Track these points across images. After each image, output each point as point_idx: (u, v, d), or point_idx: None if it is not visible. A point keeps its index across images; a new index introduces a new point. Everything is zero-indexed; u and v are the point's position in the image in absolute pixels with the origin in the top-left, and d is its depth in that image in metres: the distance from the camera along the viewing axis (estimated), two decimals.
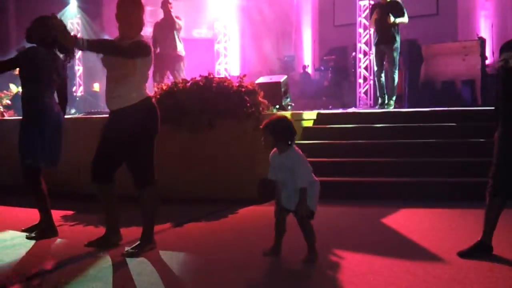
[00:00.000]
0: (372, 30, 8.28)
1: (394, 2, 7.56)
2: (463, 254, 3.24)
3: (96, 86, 12.84)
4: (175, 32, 7.93)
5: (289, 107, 7.35)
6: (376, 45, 7.74)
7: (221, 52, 12.16)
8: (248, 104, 5.30)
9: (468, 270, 3.01)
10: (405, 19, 7.53)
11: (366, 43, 9.77)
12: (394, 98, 7.82)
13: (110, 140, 3.47)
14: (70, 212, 4.85)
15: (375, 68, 7.95)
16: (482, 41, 9.07)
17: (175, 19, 7.91)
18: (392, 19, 7.36)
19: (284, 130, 3.23)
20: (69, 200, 5.18)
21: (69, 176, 5.51)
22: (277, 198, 3.30)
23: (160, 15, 8.40)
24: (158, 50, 7.87)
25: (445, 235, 3.84)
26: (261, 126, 3.28)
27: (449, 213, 4.58)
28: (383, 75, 7.86)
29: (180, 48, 8.02)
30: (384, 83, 7.88)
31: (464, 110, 7.18)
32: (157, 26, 8.15)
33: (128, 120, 3.40)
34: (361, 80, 9.83)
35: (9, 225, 4.31)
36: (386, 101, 7.76)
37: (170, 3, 8.03)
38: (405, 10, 7.50)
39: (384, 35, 7.54)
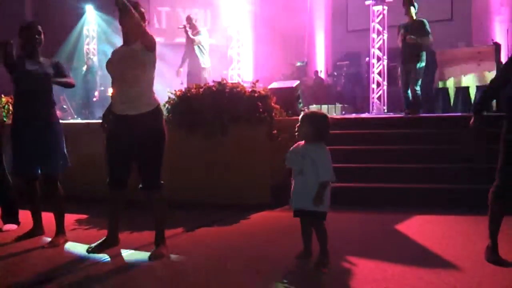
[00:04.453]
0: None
1: (419, 22, 7.50)
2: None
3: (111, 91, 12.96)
4: (196, 47, 8.56)
5: (302, 113, 7.33)
6: (403, 64, 7.62)
7: (234, 58, 12.21)
8: (261, 110, 5.31)
9: (482, 277, 2.98)
10: (426, 40, 7.40)
11: (379, 49, 9.74)
12: (419, 109, 7.61)
13: (127, 145, 3.49)
14: (84, 216, 4.90)
15: (402, 85, 7.77)
16: (498, 47, 8.99)
17: (192, 37, 8.55)
18: (411, 38, 7.29)
19: (326, 127, 3.30)
20: (83, 204, 5.22)
21: (84, 180, 5.56)
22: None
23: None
24: (184, 67, 8.74)
25: (459, 242, 3.81)
26: (301, 116, 3.33)
27: (463, 220, 4.53)
28: (409, 92, 7.70)
29: (202, 60, 8.60)
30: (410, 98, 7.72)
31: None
32: (185, 42, 8.83)
33: (153, 125, 3.49)
34: (374, 86, 9.79)
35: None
36: (411, 114, 7.59)
37: (190, 20, 8.73)
38: (428, 30, 7.42)
39: (409, 54, 7.43)
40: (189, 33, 8.62)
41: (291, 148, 3.34)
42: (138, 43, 3.48)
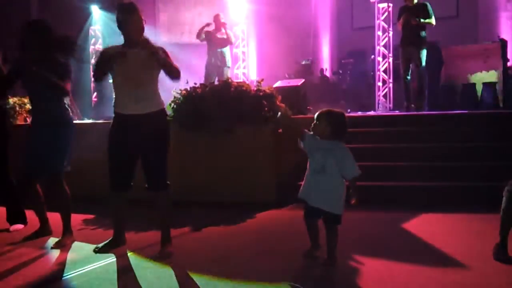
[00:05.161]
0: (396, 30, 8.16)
1: (422, 5, 7.48)
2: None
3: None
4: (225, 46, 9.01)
5: (307, 111, 7.34)
6: (402, 47, 7.62)
7: (239, 57, 12.20)
8: (266, 108, 5.31)
9: (491, 275, 2.97)
10: (431, 20, 7.43)
11: (385, 46, 9.70)
12: (424, 101, 7.65)
13: (133, 146, 3.50)
14: (91, 216, 4.93)
15: (402, 71, 7.82)
16: (504, 43, 8.92)
17: (230, 36, 9.03)
18: (416, 20, 7.27)
19: (344, 125, 3.25)
20: (90, 204, 5.23)
21: (90, 180, 5.58)
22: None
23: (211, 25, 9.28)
24: (201, 64, 9.02)
25: (466, 240, 3.79)
26: (318, 114, 3.24)
27: (471, 218, 4.51)
28: (409, 77, 7.73)
29: (228, 58, 9.09)
30: (411, 86, 7.76)
31: (485, 113, 7.07)
32: (209, 36, 9.06)
33: (160, 124, 3.54)
34: (380, 83, 9.76)
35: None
36: (413, 105, 7.62)
37: (222, 17, 9.06)
38: (432, 12, 7.41)
39: (411, 37, 7.43)
40: (229, 33, 9.01)
41: (308, 138, 3.25)
42: (145, 47, 3.49)
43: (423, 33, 7.43)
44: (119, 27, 3.55)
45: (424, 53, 7.49)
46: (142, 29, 3.53)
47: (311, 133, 3.27)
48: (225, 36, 8.98)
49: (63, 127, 3.90)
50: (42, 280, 3.08)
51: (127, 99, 3.51)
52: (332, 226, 3.22)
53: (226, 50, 9.12)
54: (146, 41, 3.43)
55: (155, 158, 3.53)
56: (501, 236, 3.25)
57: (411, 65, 7.71)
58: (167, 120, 3.66)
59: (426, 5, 7.44)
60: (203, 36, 8.99)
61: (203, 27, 9.03)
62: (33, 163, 3.87)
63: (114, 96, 3.63)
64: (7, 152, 4.44)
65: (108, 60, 3.48)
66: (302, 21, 13.05)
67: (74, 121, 4.06)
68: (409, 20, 7.35)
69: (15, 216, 4.50)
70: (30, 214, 4.52)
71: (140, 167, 3.59)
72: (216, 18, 9.15)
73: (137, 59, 3.48)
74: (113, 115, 3.62)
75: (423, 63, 7.56)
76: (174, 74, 3.49)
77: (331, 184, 3.16)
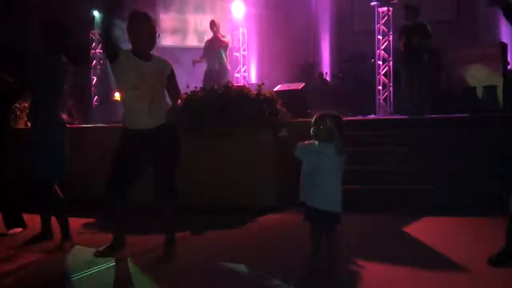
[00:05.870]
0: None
1: (421, 25, 7.62)
2: (493, 262, 3.18)
3: (117, 96, 12.89)
4: (221, 50, 9.04)
5: (308, 114, 7.34)
6: (405, 64, 7.80)
7: (239, 61, 12.23)
8: (267, 112, 5.31)
9: (493, 279, 2.96)
10: (429, 40, 7.59)
11: (385, 50, 9.71)
12: (423, 109, 7.73)
13: (144, 159, 3.49)
14: (91, 220, 4.92)
15: (407, 87, 7.96)
16: (504, 47, 8.94)
17: (222, 39, 9.07)
18: (417, 41, 7.44)
19: (341, 127, 3.22)
20: (90, 207, 5.22)
21: (91, 183, 5.58)
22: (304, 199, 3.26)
23: (210, 34, 9.40)
24: (201, 68, 9.03)
25: (468, 244, 3.78)
26: (315, 117, 3.22)
27: (471, 221, 4.50)
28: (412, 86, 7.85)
29: (226, 63, 9.17)
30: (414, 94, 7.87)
31: (485, 116, 7.07)
32: (208, 44, 9.23)
33: (171, 134, 3.54)
34: (380, 87, 9.77)
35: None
36: (418, 113, 7.69)
37: (216, 24, 9.12)
38: (430, 33, 7.58)
39: (412, 56, 7.62)
40: (224, 35, 9.13)
41: (303, 143, 3.28)
42: (161, 63, 3.55)
43: (422, 51, 7.58)
44: (128, 36, 3.52)
45: (424, 70, 7.63)
46: (151, 40, 3.50)
47: (306, 142, 3.27)
48: (222, 38, 9.06)
49: (52, 132, 3.88)
50: (43, 284, 3.08)
51: (138, 112, 3.47)
52: (332, 227, 3.20)
53: (224, 53, 9.14)
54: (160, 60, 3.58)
55: (167, 166, 3.54)
56: (507, 241, 3.22)
57: (414, 77, 7.82)
58: (177, 128, 3.64)
59: (425, 26, 7.59)
60: (203, 57, 9.08)
61: (198, 60, 9.16)
62: (28, 166, 3.88)
63: (124, 109, 3.58)
64: (6, 157, 4.43)
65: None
66: (302, 24, 13.07)
67: (73, 126, 4.07)
68: (409, 40, 7.51)
69: (13, 220, 4.49)
70: (30, 218, 4.53)
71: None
72: (212, 24, 9.20)
73: (154, 75, 3.47)
74: (121, 125, 3.63)
75: (423, 82, 7.70)
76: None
77: (327, 185, 3.14)
